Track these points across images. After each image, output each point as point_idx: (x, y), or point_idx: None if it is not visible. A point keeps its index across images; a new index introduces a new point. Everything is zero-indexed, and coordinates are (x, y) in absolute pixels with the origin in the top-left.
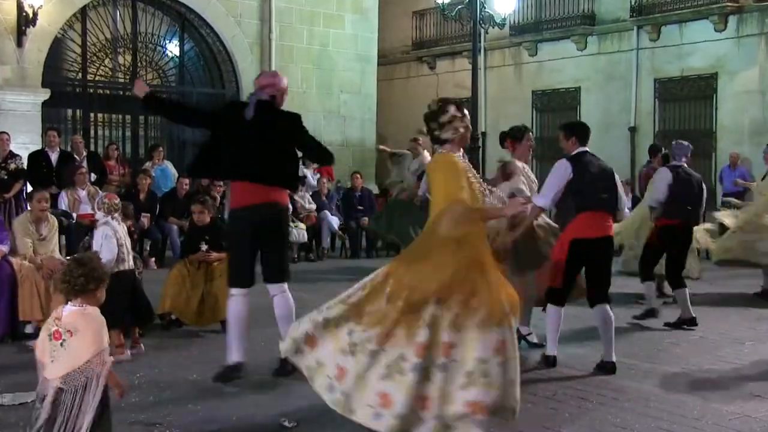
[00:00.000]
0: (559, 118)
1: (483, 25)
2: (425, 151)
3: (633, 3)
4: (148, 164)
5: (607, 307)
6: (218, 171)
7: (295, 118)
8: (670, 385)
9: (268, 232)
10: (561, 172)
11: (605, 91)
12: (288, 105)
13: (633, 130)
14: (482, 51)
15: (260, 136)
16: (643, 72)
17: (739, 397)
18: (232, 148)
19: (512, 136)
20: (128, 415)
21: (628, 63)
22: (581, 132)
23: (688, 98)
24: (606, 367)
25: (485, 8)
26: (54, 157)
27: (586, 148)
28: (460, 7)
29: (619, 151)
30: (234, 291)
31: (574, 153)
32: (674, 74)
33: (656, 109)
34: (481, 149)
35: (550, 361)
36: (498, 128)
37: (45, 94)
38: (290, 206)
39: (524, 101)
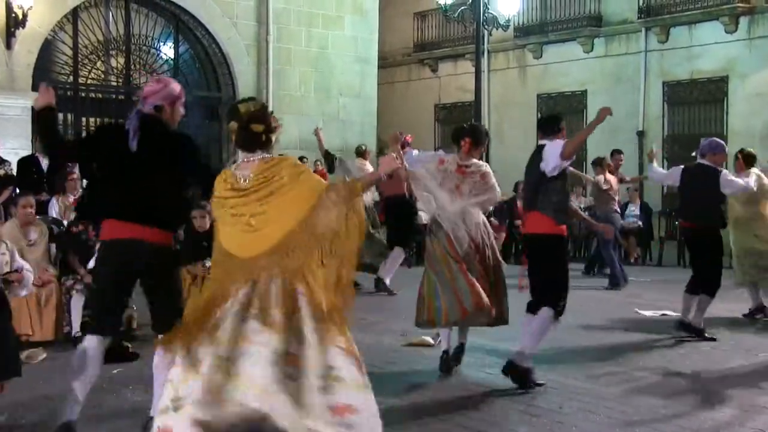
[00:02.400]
0: (565, 122)
1: (486, 27)
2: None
3: (641, 4)
4: None
5: (545, 313)
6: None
7: (182, 141)
8: (681, 397)
9: (140, 274)
10: None
11: (612, 95)
12: (286, 109)
13: (641, 134)
14: (486, 53)
15: (138, 165)
16: (652, 75)
17: (752, 410)
18: (111, 182)
19: (474, 138)
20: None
21: (635, 65)
22: (539, 123)
23: (698, 102)
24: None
25: (489, 9)
26: (44, 162)
27: (542, 141)
28: (462, 8)
29: (627, 156)
30: (88, 337)
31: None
32: (683, 77)
33: (665, 113)
34: (485, 154)
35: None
36: (502, 133)
37: (35, 98)
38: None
39: (529, 105)
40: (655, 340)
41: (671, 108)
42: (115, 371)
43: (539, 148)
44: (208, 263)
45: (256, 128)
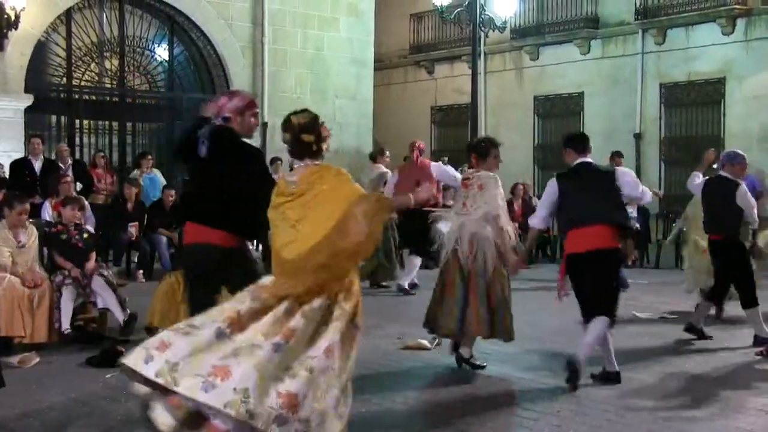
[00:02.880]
0: (561, 125)
1: (483, 29)
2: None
3: (638, 5)
4: (135, 172)
5: (601, 320)
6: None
7: (248, 152)
8: (678, 400)
9: (214, 275)
10: (548, 191)
11: (609, 97)
12: (282, 111)
13: (638, 136)
14: (482, 55)
15: (208, 172)
16: (649, 77)
17: (749, 413)
18: (190, 186)
19: (477, 152)
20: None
21: (632, 67)
22: (573, 142)
23: (695, 104)
24: (608, 378)
25: (485, 11)
26: (37, 165)
27: (585, 159)
28: (459, 9)
29: (624, 159)
30: None
31: (566, 170)
32: (680, 79)
33: (662, 115)
34: None
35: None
36: (499, 135)
37: (28, 100)
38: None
39: (526, 107)
40: (653, 343)
41: (668, 110)
42: (108, 375)
43: (609, 173)
44: None
45: (307, 138)
